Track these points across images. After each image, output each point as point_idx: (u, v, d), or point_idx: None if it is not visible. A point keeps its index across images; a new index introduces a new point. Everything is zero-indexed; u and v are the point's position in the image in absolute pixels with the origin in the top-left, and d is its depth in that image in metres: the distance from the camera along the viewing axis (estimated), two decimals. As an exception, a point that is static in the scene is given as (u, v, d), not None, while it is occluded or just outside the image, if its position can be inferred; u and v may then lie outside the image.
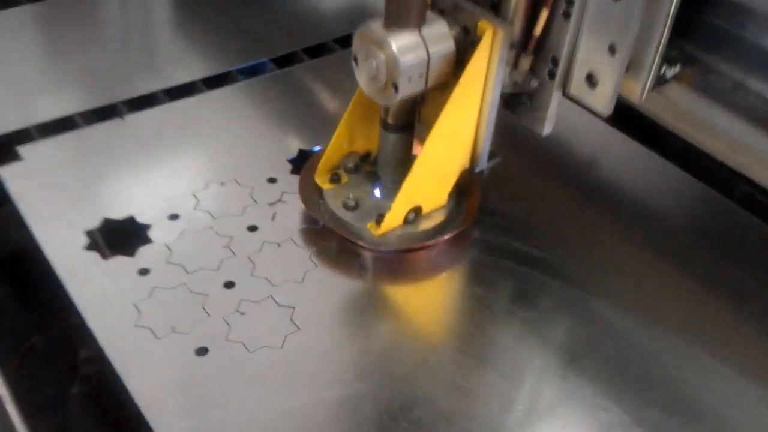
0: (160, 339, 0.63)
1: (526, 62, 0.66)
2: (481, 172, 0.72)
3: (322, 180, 0.75)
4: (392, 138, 0.71)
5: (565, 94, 0.67)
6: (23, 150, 0.79)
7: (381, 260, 0.71)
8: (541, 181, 0.82)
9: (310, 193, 0.75)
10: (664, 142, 0.84)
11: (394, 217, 0.70)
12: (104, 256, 0.69)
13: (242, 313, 0.65)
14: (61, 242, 0.70)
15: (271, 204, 0.75)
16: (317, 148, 0.82)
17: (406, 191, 0.69)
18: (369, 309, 0.68)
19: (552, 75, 0.66)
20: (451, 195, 0.73)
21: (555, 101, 0.67)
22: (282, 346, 0.63)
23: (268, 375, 0.61)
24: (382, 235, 0.70)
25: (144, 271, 0.68)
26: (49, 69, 0.93)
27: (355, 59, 0.66)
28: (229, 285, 0.68)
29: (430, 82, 0.65)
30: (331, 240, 0.72)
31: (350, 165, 0.76)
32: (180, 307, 0.65)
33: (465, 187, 0.75)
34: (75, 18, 1.02)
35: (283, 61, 0.96)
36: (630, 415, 0.59)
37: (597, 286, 0.70)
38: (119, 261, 0.69)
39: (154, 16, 1.05)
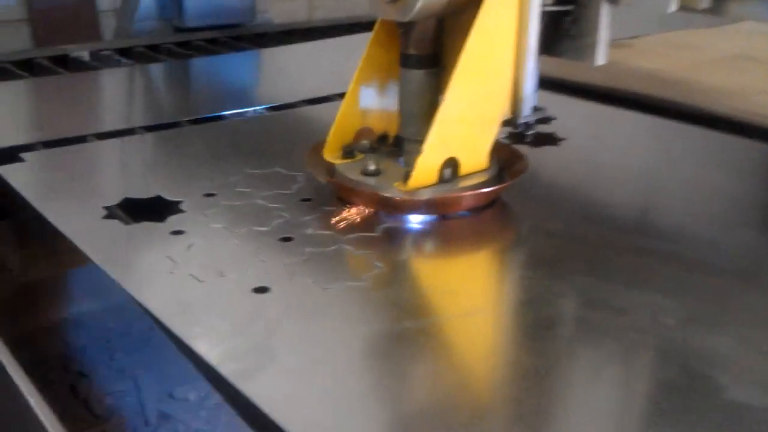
0: (204, 282, 0.48)
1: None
2: (525, 134, 0.61)
3: (332, 155, 0.61)
4: (415, 77, 0.58)
5: (616, 1, 0.57)
6: (26, 156, 0.68)
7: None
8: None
9: (319, 173, 0.60)
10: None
11: (425, 166, 0.55)
12: (127, 223, 0.55)
13: (308, 260, 0.51)
14: (74, 216, 0.56)
15: (326, 183, 0.63)
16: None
17: (436, 133, 0.55)
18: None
19: None
20: (492, 162, 0.60)
21: (605, 17, 0.57)
22: (366, 282, 0.48)
23: (345, 306, 0.46)
24: (413, 190, 0.55)
25: (178, 232, 0.54)
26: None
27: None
28: (286, 239, 0.53)
29: None
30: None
31: (365, 143, 0.62)
32: (227, 257, 0.51)
33: (508, 161, 0.62)
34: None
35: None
36: None
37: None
38: (146, 226, 0.55)
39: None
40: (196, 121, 0.80)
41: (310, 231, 0.54)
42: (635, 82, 0.93)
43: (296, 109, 0.85)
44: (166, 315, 0.44)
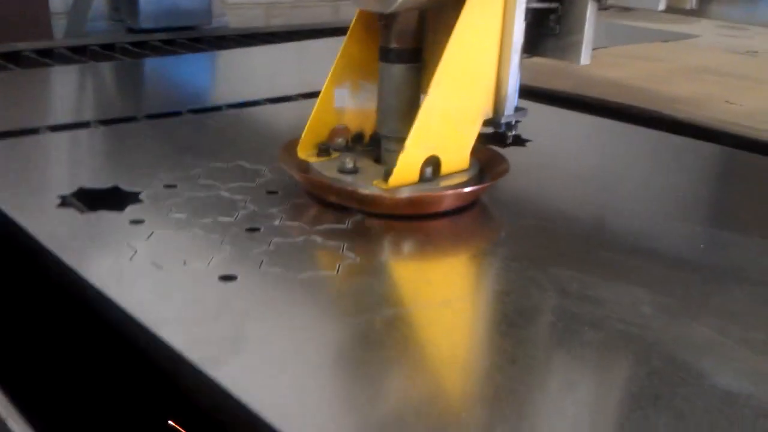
0: (166, 270, 0.45)
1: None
2: (506, 136, 0.59)
3: (306, 153, 0.59)
4: (396, 72, 0.56)
5: (602, 2, 0.56)
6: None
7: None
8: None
9: (293, 170, 0.58)
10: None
11: (406, 164, 0.53)
12: (83, 212, 0.53)
13: (276, 250, 0.49)
14: (28, 206, 0.54)
15: (291, 178, 0.61)
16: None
17: (419, 129, 0.53)
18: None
19: None
20: (473, 163, 0.58)
21: (591, 16, 0.56)
22: (337, 271, 0.46)
23: (316, 294, 0.44)
24: (393, 188, 0.53)
25: (138, 221, 0.52)
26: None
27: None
28: (253, 230, 0.51)
29: None
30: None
31: (341, 141, 0.60)
32: (191, 245, 0.49)
33: (488, 163, 0.60)
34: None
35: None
36: None
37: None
38: (103, 215, 0.52)
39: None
40: (153, 117, 0.77)
41: (277, 222, 0.53)
42: (601, 90, 0.93)
43: (257, 107, 0.83)
44: (127, 302, 0.41)
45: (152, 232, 0.50)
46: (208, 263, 0.46)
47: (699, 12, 0.57)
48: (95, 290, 0.43)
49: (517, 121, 0.59)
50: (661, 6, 0.55)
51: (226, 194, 0.57)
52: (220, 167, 0.62)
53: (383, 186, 0.53)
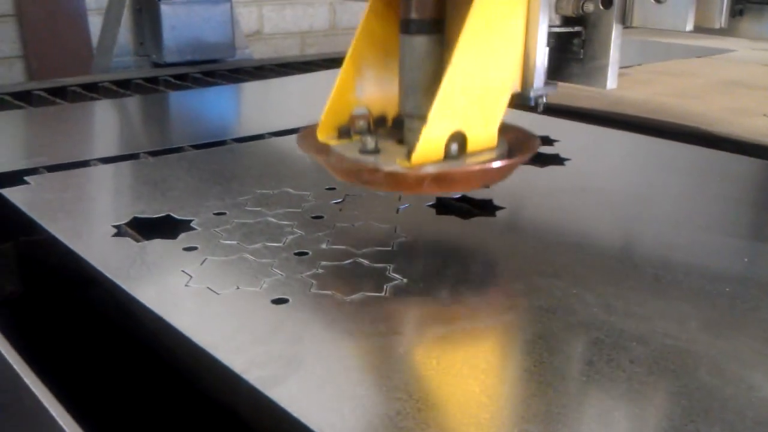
0: (221, 294, 0.47)
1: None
2: (537, 109, 0.57)
3: (327, 135, 0.56)
4: (418, 44, 0.52)
5: (627, 24, 0.56)
6: (31, 179, 0.67)
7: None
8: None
9: (313, 153, 0.54)
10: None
11: (430, 139, 0.49)
12: (138, 241, 0.55)
13: (324, 273, 0.50)
14: (85, 235, 0.56)
15: (336, 202, 0.63)
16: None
17: (442, 102, 0.49)
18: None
19: (608, 1, 0.53)
20: (501, 141, 0.54)
21: (617, 39, 0.54)
22: (385, 293, 0.47)
23: (366, 315, 0.45)
24: (417, 165, 0.49)
25: (191, 249, 0.53)
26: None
27: None
28: (302, 254, 0.53)
29: None
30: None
31: (362, 124, 0.56)
32: (243, 271, 0.50)
33: (517, 142, 0.56)
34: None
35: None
36: None
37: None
38: (158, 243, 0.54)
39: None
40: (198, 146, 0.79)
41: (324, 246, 0.54)
42: (636, 107, 0.94)
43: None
44: (185, 326, 0.43)
45: (205, 259, 0.52)
46: (260, 287, 0.48)
47: (729, 31, 0.57)
48: (154, 316, 0.45)
49: (545, 95, 0.55)
50: (689, 27, 0.55)
51: (273, 220, 0.58)
52: (267, 194, 0.64)
53: (406, 164, 0.50)
